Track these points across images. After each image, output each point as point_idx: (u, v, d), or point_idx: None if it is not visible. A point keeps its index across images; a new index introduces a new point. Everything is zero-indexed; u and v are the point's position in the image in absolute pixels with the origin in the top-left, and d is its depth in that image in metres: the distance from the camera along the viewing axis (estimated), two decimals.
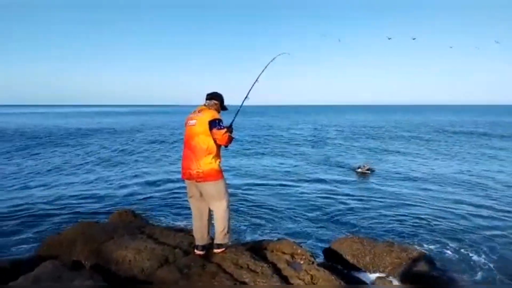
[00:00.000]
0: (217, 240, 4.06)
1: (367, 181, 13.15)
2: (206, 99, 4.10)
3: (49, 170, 15.24)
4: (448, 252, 6.94)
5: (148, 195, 10.88)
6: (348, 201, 10.31)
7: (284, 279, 3.79)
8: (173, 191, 11.39)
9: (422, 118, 67.59)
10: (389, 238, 7.26)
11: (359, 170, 14.75)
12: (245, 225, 8.20)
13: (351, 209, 9.58)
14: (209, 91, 4.18)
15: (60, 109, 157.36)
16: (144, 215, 7.15)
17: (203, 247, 4.06)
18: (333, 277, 3.84)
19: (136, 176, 14.13)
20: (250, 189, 11.78)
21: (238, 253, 4.02)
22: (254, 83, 4.52)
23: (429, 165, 16.86)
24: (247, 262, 3.87)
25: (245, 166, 16.42)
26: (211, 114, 3.85)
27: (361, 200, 10.43)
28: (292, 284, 3.74)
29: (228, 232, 4.05)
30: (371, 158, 18.57)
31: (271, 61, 4.89)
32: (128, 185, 12.46)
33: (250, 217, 8.78)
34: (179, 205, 9.62)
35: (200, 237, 4.06)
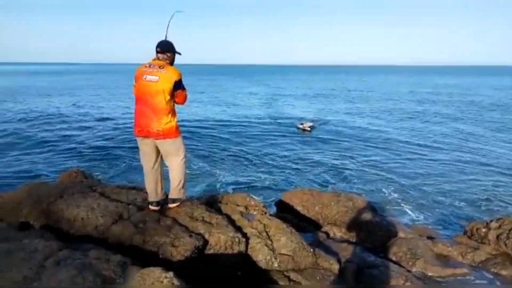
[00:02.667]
0: (172, 195, 4.10)
1: (310, 136, 13.87)
2: (160, 52, 3.77)
3: None
4: (388, 198, 7.60)
5: (98, 155, 10.58)
6: (293, 155, 10.82)
7: (238, 229, 3.97)
8: (124, 149, 11.14)
9: (368, 79, 70.02)
10: (336, 188, 7.76)
11: (301, 126, 15.62)
12: (199, 177, 8.34)
13: (298, 162, 10.10)
14: (160, 41, 3.78)
15: None
16: (95, 175, 6.97)
17: (157, 203, 4.08)
18: (284, 225, 4.09)
19: (84, 136, 13.55)
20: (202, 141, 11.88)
21: (193, 206, 4.11)
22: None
23: (369, 122, 17.86)
24: (202, 214, 3.98)
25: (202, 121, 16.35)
26: (178, 73, 3.69)
27: (305, 153, 10.97)
28: (246, 233, 3.94)
29: (183, 186, 4.09)
30: (316, 115, 19.32)
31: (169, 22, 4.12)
32: (77, 145, 11.96)
33: (205, 170, 8.92)
34: (131, 164, 9.48)
35: (154, 193, 4.07)
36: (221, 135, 14.23)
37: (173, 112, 3.82)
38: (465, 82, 60.52)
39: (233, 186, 8.01)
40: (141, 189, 5.05)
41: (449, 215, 7.12)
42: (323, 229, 5.52)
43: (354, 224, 5.67)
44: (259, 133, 14.67)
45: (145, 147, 3.94)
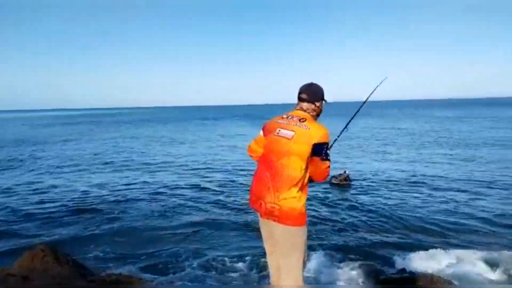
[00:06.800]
0: None
1: (348, 193, 11.41)
2: (304, 100, 2.76)
3: None
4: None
5: (103, 216, 8.66)
6: (331, 220, 8.69)
7: None
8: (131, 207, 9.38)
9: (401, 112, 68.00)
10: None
11: (335, 181, 11.87)
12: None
13: (339, 230, 7.96)
14: (306, 83, 2.84)
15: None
16: (78, 253, 5.23)
17: None
18: None
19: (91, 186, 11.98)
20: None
21: None
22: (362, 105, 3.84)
23: (413, 165, 15.74)
24: None
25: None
26: (322, 134, 2.57)
27: (347, 217, 8.85)
28: None
29: None
30: (347, 163, 16.50)
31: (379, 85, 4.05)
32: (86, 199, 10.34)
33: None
34: (137, 234, 7.49)
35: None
36: (228, 185, 12.34)
37: (302, 188, 2.60)
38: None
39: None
40: (129, 282, 3.45)
41: None
42: None
43: None
44: None
45: (263, 228, 2.79)
